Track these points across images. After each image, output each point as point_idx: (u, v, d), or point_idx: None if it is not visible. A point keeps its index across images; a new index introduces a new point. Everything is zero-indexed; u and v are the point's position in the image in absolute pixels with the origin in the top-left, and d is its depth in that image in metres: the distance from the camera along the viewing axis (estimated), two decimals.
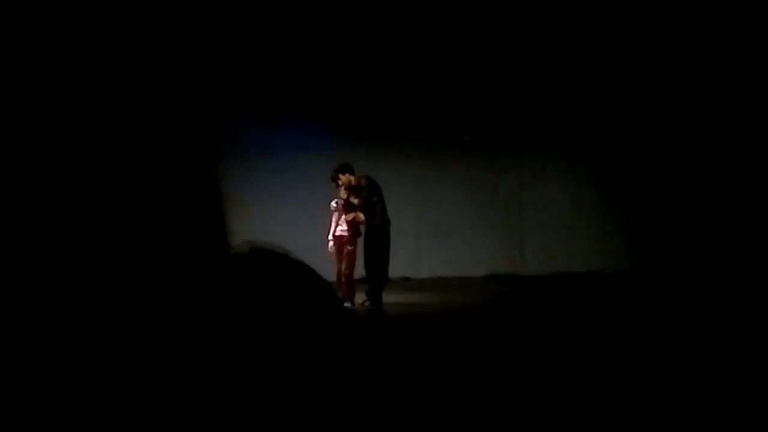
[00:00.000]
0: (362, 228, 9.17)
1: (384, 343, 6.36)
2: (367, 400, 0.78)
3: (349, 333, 0.81)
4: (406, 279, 12.06)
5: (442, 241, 13.01)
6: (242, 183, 12.72)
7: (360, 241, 9.28)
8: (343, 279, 9.15)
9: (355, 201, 9.00)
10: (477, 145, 12.99)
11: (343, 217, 9.19)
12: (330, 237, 9.39)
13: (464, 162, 13.08)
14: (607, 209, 12.98)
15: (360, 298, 9.16)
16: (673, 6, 11.25)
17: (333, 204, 9.30)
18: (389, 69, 12.39)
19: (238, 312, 0.76)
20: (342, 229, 9.25)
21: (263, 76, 12.42)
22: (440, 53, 12.34)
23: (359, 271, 9.33)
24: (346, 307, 0.75)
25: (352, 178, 9.03)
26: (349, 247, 9.16)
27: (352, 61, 12.30)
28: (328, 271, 9.15)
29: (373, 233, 9.03)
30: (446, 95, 12.67)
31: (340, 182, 9.02)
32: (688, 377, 4.91)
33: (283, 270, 0.82)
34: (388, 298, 9.29)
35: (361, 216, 9.09)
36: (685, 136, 12.16)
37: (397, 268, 10.90)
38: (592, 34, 12.09)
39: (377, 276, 9.10)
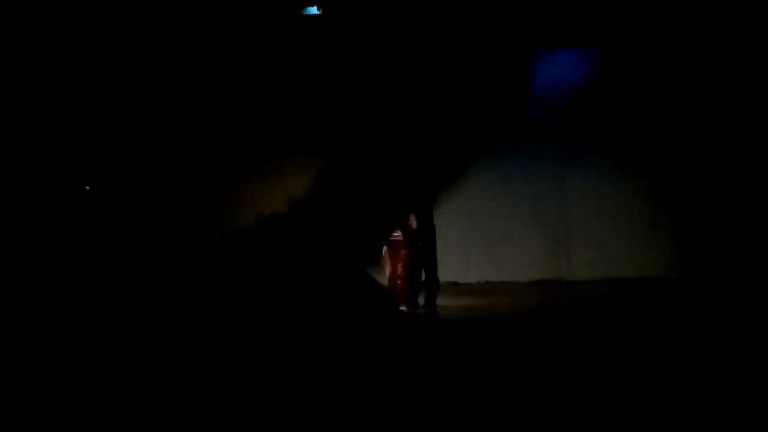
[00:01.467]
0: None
1: (434, 345, 6.46)
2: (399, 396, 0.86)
3: (403, 334, 0.90)
4: (455, 284, 12.21)
5: (489, 247, 13.12)
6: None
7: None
8: (399, 282, 9.34)
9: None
10: (524, 151, 13.06)
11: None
12: (387, 240, 9.59)
13: (511, 168, 13.15)
14: (655, 215, 12.91)
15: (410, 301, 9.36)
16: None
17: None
18: (432, 78, 12.56)
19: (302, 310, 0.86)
20: (398, 234, 9.46)
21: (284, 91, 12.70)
22: (479, 62, 12.49)
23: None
24: (400, 309, 0.83)
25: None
26: (405, 251, 9.34)
27: (392, 73, 12.51)
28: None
29: (426, 237, 9.28)
30: (490, 101, 12.75)
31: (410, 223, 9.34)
32: (730, 385, 4.94)
33: (344, 272, 0.94)
34: (439, 301, 9.52)
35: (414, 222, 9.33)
36: (736, 139, 12.05)
37: (446, 273, 11.10)
38: (639, 33, 12.12)
39: (434, 279, 9.35)
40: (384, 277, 9.44)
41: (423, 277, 9.41)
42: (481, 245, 13.13)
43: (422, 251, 9.28)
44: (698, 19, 11.65)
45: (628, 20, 12.03)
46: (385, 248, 9.58)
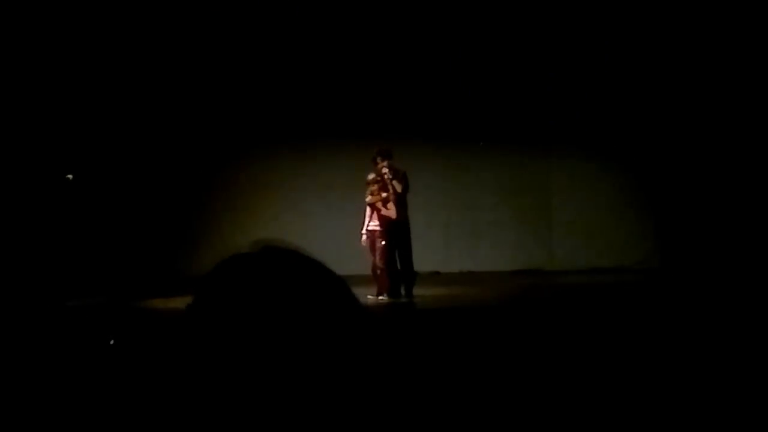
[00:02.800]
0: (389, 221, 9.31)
1: (400, 337, 6.44)
2: (378, 396, 0.78)
3: (362, 328, 0.80)
4: (436, 273, 12.24)
5: (471, 237, 13.17)
6: (279, 182, 13.11)
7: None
8: (378, 272, 9.32)
9: (398, 186, 9.13)
10: (506, 141, 13.08)
11: (377, 212, 9.36)
12: (363, 231, 9.55)
13: (493, 157, 13.20)
14: (636, 205, 13.01)
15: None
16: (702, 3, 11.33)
17: (368, 198, 9.44)
18: (418, 67, 12.55)
19: (250, 310, 0.77)
20: (375, 224, 9.39)
21: (292, 80, 12.66)
22: (469, 51, 12.50)
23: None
24: (361, 301, 0.82)
25: (392, 164, 9.22)
26: (381, 242, 9.31)
27: (380, 61, 12.49)
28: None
29: (401, 226, 9.25)
30: (475, 90, 12.77)
31: (382, 164, 9.18)
32: (707, 376, 4.99)
33: (294, 267, 0.83)
34: (418, 291, 9.52)
35: (393, 212, 9.24)
36: (716, 132, 12.13)
37: (426, 262, 11.12)
38: (620, 32, 12.16)
39: (409, 269, 9.33)
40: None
41: (399, 266, 9.37)
42: (463, 235, 13.17)
43: (398, 240, 9.23)
44: (679, 14, 11.69)
45: (611, 16, 12.05)
46: (364, 238, 9.54)
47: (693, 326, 6.94)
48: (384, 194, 9.17)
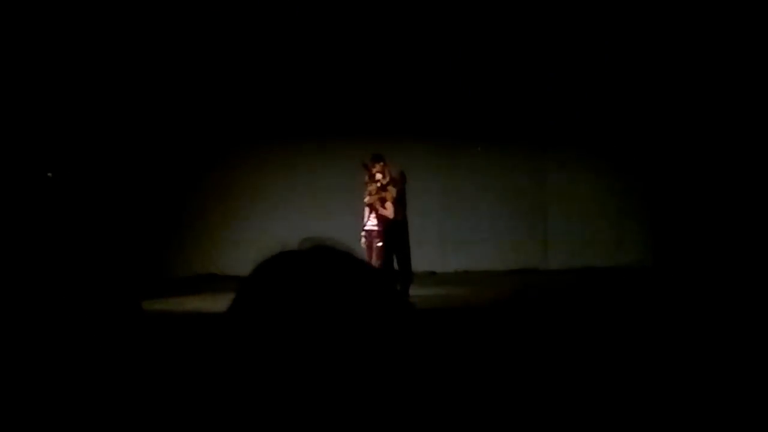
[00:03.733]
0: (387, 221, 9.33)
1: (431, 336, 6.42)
2: (426, 399, 0.77)
3: (412, 327, 0.80)
4: (432, 273, 12.27)
5: (467, 237, 13.20)
6: (272, 182, 13.10)
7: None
8: None
9: (393, 191, 9.15)
10: (501, 141, 13.13)
11: (374, 212, 9.38)
12: (363, 231, 9.59)
13: (488, 157, 13.24)
14: (630, 205, 13.09)
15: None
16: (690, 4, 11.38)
17: (367, 198, 9.46)
18: (415, 67, 12.58)
19: (305, 308, 0.75)
20: (372, 224, 9.44)
21: (286, 79, 12.64)
22: (466, 52, 12.53)
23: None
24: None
25: (385, 168, 9.24)
26: (378, 242, 9.34)
27: (377, 61, 12.51)
28: None
29: (399, 226, 9.27)
30: (470, 91, 12.81)
31: (374, 170, 9.20)
32: (703, 375, 5.00)
33: (346, 266, 0.81)
34: (415, 291, 9.54)
35: (391, 211, 9.27)
36: (710, 131, 12.20)
37: (423, 262, 11.15)
38: (615, 34, 12.20)
39: (406, 269, 9.35)
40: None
41: (396, 266, 9.39)
42: (459, 235, 13.20)
43: (395, 240, 9.26)
44: (674, 17, 11.74)
45: (607, 18, 12.09)
46: (363, 240, 9.57)
47: (688, 325, 6.98)
48: (382, 193, 9.21)
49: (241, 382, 0.73)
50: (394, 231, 9.25)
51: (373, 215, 9.44)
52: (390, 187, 9.18)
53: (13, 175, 10.17)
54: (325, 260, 0.80)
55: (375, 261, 9.31)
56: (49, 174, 10.72)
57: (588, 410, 4.28)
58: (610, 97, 12.76)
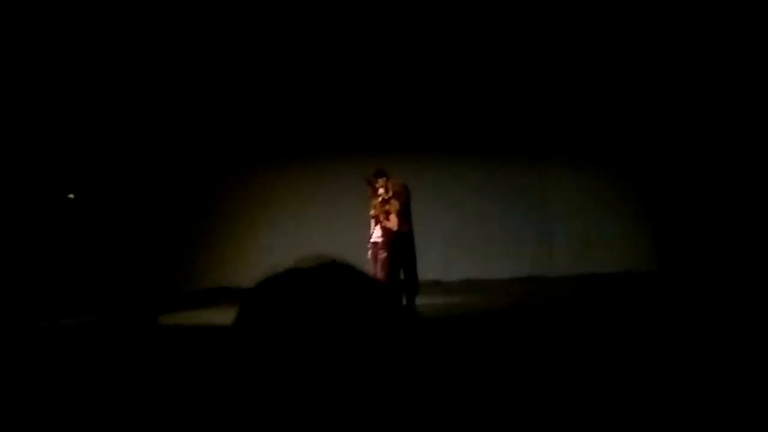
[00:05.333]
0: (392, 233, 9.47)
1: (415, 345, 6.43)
2: (433, 403, 0.78)
3: (418, 339, 0.80)
4: (436, 282, 12.34)
5: (471, 245, 13.25)
6: (282, 194, 13.28)
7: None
8: None
9: (396, 205, 9.32)
10: (503, 148, 13.20)
11: (380, 224, 9.54)
12: (369, 243, 9.69)
13: (491, 165, 13.29)
14: (634, 209, 13.05)
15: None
16: (693, 6, 11.46)
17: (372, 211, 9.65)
18: (417, 77, 12.66)
19: (304, 321, 0.75)
20: (378, 235, 9.53)
21: (300, 94, 12.79)
22: (466, 60, 12.61)
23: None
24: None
25: (387, 183, 9.40)
26: (383, 253, 9.46)
27: (380, 71, 12.60)
28: None
29: (404, 237, 9.40)
30: (473, 99, 12.89)
31: (376, 185, 9.40)
32: (707, 378, 4.99)
33: (351, 281, 0.81)
34: (420, 300, 9.66)
35: (394, 223, 9.41)
36: (712, 136, 12.18)
37: (427, 271, 11.25)
38: (615, 39, 12.28)
39: (413, 279, 9.47)
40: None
41: (402, 277, 9.51)
42: (463, 243, 13.24)
43: (400, 252, 9.39)
44: (672, 21, 11.82)
45: (605, 23, 12.20)
46: (369, 251, 9.70)
47: (693, 328, 7.01)
48: (386, 206, 9.38)
49: (245, 393, 0.74)
50: (398, 242, 9.36)
51: (378, 227, 9.60)
52: (393, 201, 9.34)
53: (34, 195, 10.32)
54: (325, 275, 0.80)
55: (380, 272, 9.44)
56: (71, 196, 10.86)
57: (597, 415, 4.31)
58: (612, 101, 12.78)
